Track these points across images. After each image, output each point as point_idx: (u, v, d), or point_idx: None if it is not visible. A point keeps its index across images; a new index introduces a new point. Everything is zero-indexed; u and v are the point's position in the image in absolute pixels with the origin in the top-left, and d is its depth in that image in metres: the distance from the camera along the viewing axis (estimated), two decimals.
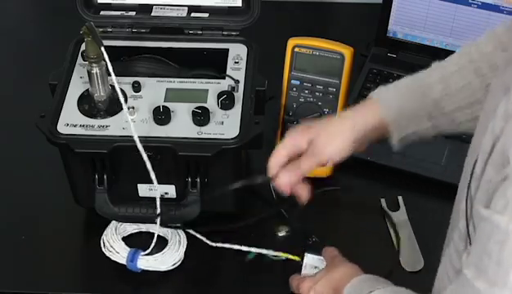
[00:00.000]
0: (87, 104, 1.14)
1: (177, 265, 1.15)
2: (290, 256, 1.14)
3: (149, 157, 1.10)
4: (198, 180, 1.13)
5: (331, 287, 1.00)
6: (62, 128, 1.11)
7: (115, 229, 1.18)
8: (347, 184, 1.26)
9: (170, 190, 1.16)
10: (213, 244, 1.17)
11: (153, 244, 1.13)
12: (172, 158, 1.10)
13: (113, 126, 1.10)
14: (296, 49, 1.21)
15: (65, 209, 1.24)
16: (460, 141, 1.30)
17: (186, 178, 1.13)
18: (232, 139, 1.09)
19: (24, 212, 1.26)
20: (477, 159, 0.75)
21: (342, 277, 1.00)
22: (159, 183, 1.15)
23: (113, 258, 1.15)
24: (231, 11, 1.25)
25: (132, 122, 1.08)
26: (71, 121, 1.12)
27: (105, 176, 1.13)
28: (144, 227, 1.19)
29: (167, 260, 1.14)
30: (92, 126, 1.11)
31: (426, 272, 1.13)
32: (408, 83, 1.05)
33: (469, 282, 0.69)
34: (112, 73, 1.05)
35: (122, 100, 1.06)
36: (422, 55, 1.41)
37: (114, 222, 1.19)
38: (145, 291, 1.16)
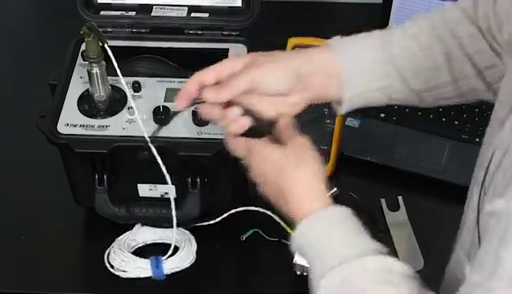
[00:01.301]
0: (87, 104, 1.14)
1: (195, 258, 1.15)
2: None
3: (149, 157, 1.11)
4: (198, 180, 1.13)
5: (283, 199, 0.86)
6: (62, 128, 1.11)
7: (120, 247, 1.15)
8: (347, 184, 1.26)
9: (170, 190, 1.16)
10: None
11: (173, 245, 1.13)
12: (172, 158, 1.10)
13: (113, 126, 1.10)
14: (296, 49, 1.21)
15: (65, 209, 1.24)
16: (461, 141, 1.30)
17: (186, 178, 1.13)
18: None
19: (24, 212, 1.26)
20: (493, 154, 0.73)
21: (302, 200, 0.85)
22: (159, 183, 1.15)
23: (131, 276, 1.13)
24: (231, 11, 1.25)
25: (134, 122, 1.08)
26: (71, 121, 1.12)
27: (105, 176, 1.13)
28: (140, 239, 1.17)
29: (188, 255, 1.14)
30: (92, 126, 1.11)
31: (426, 272, 1.13)
32: (367, 36, 0.97)
33: (480, 283, 0.65)
34: (118, 69, 1.03)
35: (129, 94, 1.06)
36: None
37: (116, 242, 1.16)
38: (145, 291, 1.16)
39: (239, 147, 0.92)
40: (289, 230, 1.15)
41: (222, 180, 1.15)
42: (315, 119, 1.23)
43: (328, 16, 1.61)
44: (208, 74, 0.91)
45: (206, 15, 1.24)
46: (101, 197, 1.13)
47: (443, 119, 1.34)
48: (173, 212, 1.10)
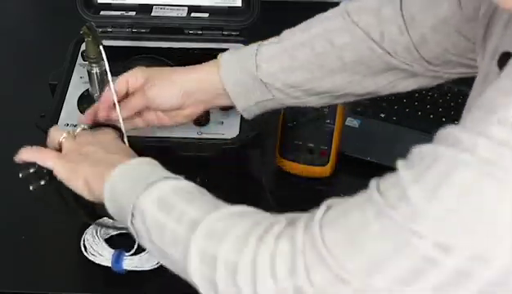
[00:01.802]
0: (87, 104, 1.14)
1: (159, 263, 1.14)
2: None
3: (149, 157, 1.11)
4: (198, 180, 1.13)
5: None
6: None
7: (96, 232, 1.17)
8: (347, 184, 1.26)
9: None
10: None
11: (136, 245, 1.13)
12: (172, 158, 1.10)
13: None
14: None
15: (65, 209, 1.24)
16: None
17: (186, 178, 1.13)
18: (232, 139, 1.09)
19: (24, 212, 1.26)
20: None
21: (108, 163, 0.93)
22: None
23: (96, 261, 1.14)
24: (231, 11, 1.25)
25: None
26: (71, 121, 1.12)
27: None
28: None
29: (152, 258, 1.14)
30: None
31: None
32: (244, 50, 1.05)
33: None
34: (108, 73, 1.05)
35: (115, 99, 1.06)
36: None
37: (94, 225, 1.18)
38: (146, 290, 1.16)
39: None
40: None
41: (222, 180, 1.15)
42: (315, 119, 1.23)
43: None
44: (108, 95, 1.04)
45: (206, 15, 1.24)
46: None
47: (443, 119, 1.34)
48: None
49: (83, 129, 1.03)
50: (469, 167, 0.61)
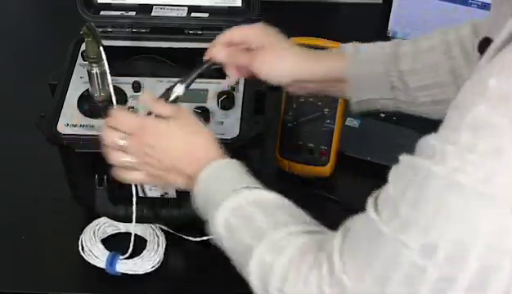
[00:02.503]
0: (87, 104, 1.14)
1: (156, 267, 1.15)
2: None
3: None
4: None
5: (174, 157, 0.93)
6: (62, 128, 1.11)
7: (93, 232, 1.18)
8: (347, 184, 1.26)
9: (170, 190, 1.16)
10: (196, 239, 1.18)
11: (131, 248, 1.14)
12: None
13: None
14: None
15: (65, 209, 1.24)
16: None
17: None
18: (232, 139, 1.09)
19: (24, 212, 1.26)
20: None
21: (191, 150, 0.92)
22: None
23: (92, 262, 1.15)
24: (231, 11, 1.25)
25: None
26: (71, 121, 1.12)
27: (105, 176, 1.13)
28: (123, 228, 1.19)
29: (145, 263, 1.15)
30: (92, 126, 1.11)
31: None
32: (380, 48, 1.04)
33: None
34: (108, 75, 1.05)
35: (114, 100, 1.06)
36: None
37: (91, 225, 1.19)
38: (146, 290, 1.16)
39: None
40: None
41: None
42: (315, 119, 1.23)
43: (328, 16, 1.61)
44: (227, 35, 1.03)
45: (206, 15, 1.24)
46: (101, 197, 1.13)
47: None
48: (134, 214, 1.10)
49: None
50: (439, 180, 0.64)
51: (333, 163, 1.24)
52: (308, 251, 0.76)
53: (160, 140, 0.92)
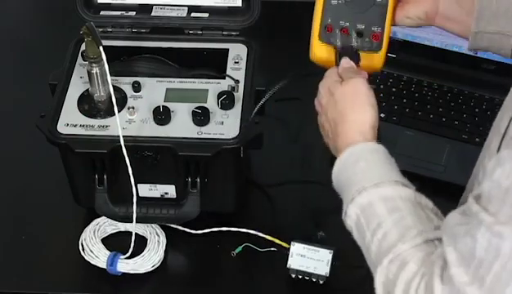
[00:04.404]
0: (87, 104, 1.14)
1: (156, 266, 1.15)
2: (278, 241, 1.16)
3: (149, 157, 1.11)
4: (198, 180, 1.13)
5: (337, 124, 0.93)
6: (62, 128, 1.11)
7: (94, 232, 1.18)
8: None
9: (170, 190, 1.16)
10: (199, 232, 1.18)
11: (131, 248, 1.14)
12: (172, 158, 1.10)
13: (113, 126, 1.10)
14: None
15: (65, 209, 1.24)
16: (460, 141, 1.30)
17: (186, 178, 1.13)
18: (232, 139, 1.09)
19: (24, 212, 1.26)
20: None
21: (350, 136, 0.91)
22: (159, 183, 1.15)
23: (92, 262, 1.15)
24: (231, 11, 1.25)
25: (134, 122, 1.08)
26: (71, 121, 1.12)
27: (105, 176, 1.13)
28: (123, 227, 1.19)
29: (146, 263, 1.15)
30: (92, 126, 1.11)
31: None
32: None
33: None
34: (108, 75, 1.05)
35: (114, 102, 1.06)
36: (422, 56, 1.41)
37: (91, 225, 1.19)
38: (147, 290, 1.16)
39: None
40: (277, 242, 1.16)
41: (222, 180, 1.15)
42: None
43: None
44: None
45: (206, 15, 1.24)
46: (101, 197, 1.13)
47: (443, 119, 1.34)
48: (134, 214, 1.11)
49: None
50: None
51: (385, 52, 1.03)
52: (428, 267, 0.74)
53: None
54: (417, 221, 0.80)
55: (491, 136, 0.83)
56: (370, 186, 0.84)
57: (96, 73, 1.11)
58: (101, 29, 1.18)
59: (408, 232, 0.79)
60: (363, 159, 0.88)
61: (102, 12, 1.25)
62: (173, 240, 1.18)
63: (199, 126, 1.10)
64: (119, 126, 1.06)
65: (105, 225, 1.19)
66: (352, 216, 0.85)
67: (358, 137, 0.90)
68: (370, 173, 0.86)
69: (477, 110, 1.35)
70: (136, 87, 1.16)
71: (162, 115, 1.11)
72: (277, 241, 1.16)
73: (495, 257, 0.66)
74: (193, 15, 1.25)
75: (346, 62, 0.98)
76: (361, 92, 0.93)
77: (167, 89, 1.16)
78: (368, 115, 0.92)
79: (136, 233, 1.15)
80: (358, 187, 0.85)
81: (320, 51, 1.02)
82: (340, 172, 0.89)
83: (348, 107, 0.93)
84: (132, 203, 1.10)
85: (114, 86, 1.11)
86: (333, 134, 0.93)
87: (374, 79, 1.39)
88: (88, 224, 1.20)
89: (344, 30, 1.01)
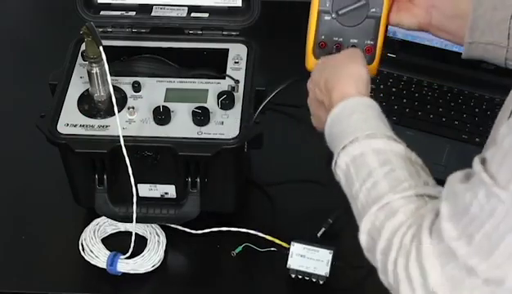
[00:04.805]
0: (87, 104, 1.14)
1: (156, 266, 1.15)
2: (278, 241, 1.16)
3: (149, 157, 1.11)
4: (198, 180, 1.13)
5: (331, 80, 0.94)
6: (62, 128, 1.11)
7: (94, 232, 1.18)
8: None
9: (170, 190, 1.16)
10: (199, 232, 1.19)
11: (131, 248, 1.14)
12: (172, 158, 1.10)
13: (113, 126, 1.10)
14: None
15: (65, 209, 1.24)
16: (460, 141, 1.30)
17: (186, 178, 1.13)
18: (232, 139, 1.09)
19: (25, 212, 1.26)
20: None
21: (343, 80, 0.93)
22: (159, 183, 1.15)
23: (92, 262, 1.16)
24: (231, 11, 1.25)
25: (134, 122, 1.08)
26: (71, 121, 1.12)
27: (105, 176, 1.13)
28: (123, 227, 1.20)
29: (146, 263, 1.15)
30: (92, 126, 1.11)
31: None
32: None
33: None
34: (108, 75, 1.05)
35: (114, 102, 1.06)
36: (422, 56, 1.41)
37: (91, 225, 1.19)
38: (147, 290, 1.16)
39: None
40: (277, 242, 1.16)
41: (223, 180, 1.15)
42: (358, 8, 1.03)
43: None
44: None
45: (206, 15, 1.24)
46: (100, 197, 1.13)
47: (443, 119, 1.34)
48: (134, 214, 1.11)
49: None
50: None
51: (378, 62, 1.05)
52: (417, 219, 0.75)
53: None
54: (408, 176, 0.81)
55: (508, 104, 0.84)
56: (363, 137, 0.85)
57: (96, 73, 1.11)
58: (101, 29, 1.18)
59: (399, 184, 0.80)
60: (358, 112, 0.89)
61: (102, 12, 1.25)
62: (173, 240, 1.18)
63: (199, 126, 1.10)
64: (118, 126, 1.06)
65: (105, 225, 1.20)
66: (341, 165, 0.85)
67: (353, 91, 0.91)
68: (364, 125, 0.87)
69: (477, 110, 1.34)
70: (136, 87, 1.16)
71: (162, 115, 1.11)
72: (277, 241, 1.16)
73: (488, 217, 0.67)
74: (193, 15, 1.25)
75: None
76: (357, 55, 0.96)
77: (167, 89, 1.16)
78: (364, 71, 0.93)
79: (136, 233, 1.15)
80: (351, 138, 0.86)
81: (315, 65, 1.02)
82: (334, 124, 0.90)
83: (344, 63, 0.94)
84: (132, 203, 1.10)
85: (114, 86, 1.11)
86: (326, 90, 0.93)
87: (374, 79, 1.39)
88: (88, 224, 1.20)
89: (338, 46, 1.03)
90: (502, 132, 0.68)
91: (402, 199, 0.78)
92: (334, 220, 1.19)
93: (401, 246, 0.74)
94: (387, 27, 1.03)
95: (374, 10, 1.01)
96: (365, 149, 0.84)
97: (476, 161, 0.70)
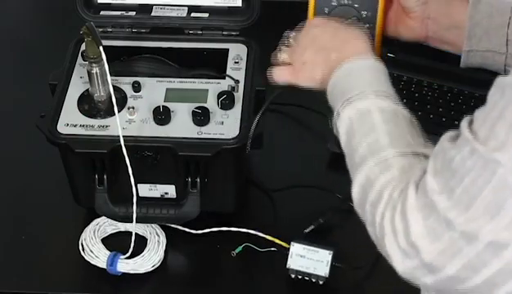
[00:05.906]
0: (87, 104, 1.14)
1: (156, 266, 1.15)
2: (278, 241, 1.16)
3: (149, 157, 1.11)
4: (198, 180, 1.13)
5: (337, 36, 0.96)
6: (62, 128, 1.11)
7: (94, 232, 1.18)
8: (347, 183, 1.26)
9: (170, 190, 1.16)
10: (199, 231, 1.19)
11: (131, 248, 1.14)
12: (172, 158, 1.10)
13: (113, 126, 1.10)
14: None
15: (65, 209, 1.24)
16: None
17: (186, 178, 1.13)
18: (232, 139, 1.09)
19: (25, 212, 1.26)
20: None
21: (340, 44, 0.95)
22: (159, 183, 1.15)
23: (92, 262, 1.16)
24: (231, 11, 1.25)
25: (134, 122, 1.08)
26: (71, 121, 1.12)
27: (105, 176, 1.13)
28: (123, 227, 1.20)
29: (146, 263, 1.15)
30: (92, 126, 1.11)
31: None
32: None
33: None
34: (108, 75, 1.05)
35: (114, 102, 1.06)
36: (422, 56, 1.41)
37: (91, 225, 1.19)
38: (147, 290, 1.16)
39: None
40: (277, 242, 1.16)
41: (223, 180, 1.15)
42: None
43: None
44: None
45: (206, 15, 1.24)
46: (100, 197, 1.13)
47: (443, 119, 1.34)
48: (134, 214, 1.11)
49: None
50: None
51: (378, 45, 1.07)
52: (408, 175, 0.76)
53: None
54: (409, 135, 0.83)
55: None
56: (371, 93, 0.86)
57: (96, 73, 1.11)
58: (101, 29, 1.18)
59: (399, 141, 0.82)
60: (371, 71, 0.90)
61: (102, 12, 1.25)
62: (173, 240, 1.18)
63: (199, 126, 1.10)
64: (118, 126, 1.06)
65: (105, 225, 1.20)
66: (345, 118, 0.86)
67: (369, 53, 0.92)
68: (374, 85, 0.88)
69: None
70: (136, 87, 1.16)
71: (162, 115, 1.11)
72: (277, 241, 1.16)
73: (468, 171, 0.68)
74: (193, 15, 1.25)
75: None
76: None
77: (167, 89, 1.16)
78: (368, 40, 0.95)
79: (136, 233, 1.15)
80: (359, 92, 0.87)
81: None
82: (343, 76, 0.90)
83: (349, 29, 0.96)
84: (132, 203, 1.10)
85: (114, 86, 1.11)
86: (335, 39, 0.95)
87: None
88: (88, 224, 1.20)
89: None
90: (490, 93, 0.71)
91: (400, 156, 0.80)
92: (324, 220, 1.19)
93: (390, 199, 0.76)
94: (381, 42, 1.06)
95: (368, 26, 1.03)
96: (371, 105, 0.86)
97: (464, 120, 0.72)
